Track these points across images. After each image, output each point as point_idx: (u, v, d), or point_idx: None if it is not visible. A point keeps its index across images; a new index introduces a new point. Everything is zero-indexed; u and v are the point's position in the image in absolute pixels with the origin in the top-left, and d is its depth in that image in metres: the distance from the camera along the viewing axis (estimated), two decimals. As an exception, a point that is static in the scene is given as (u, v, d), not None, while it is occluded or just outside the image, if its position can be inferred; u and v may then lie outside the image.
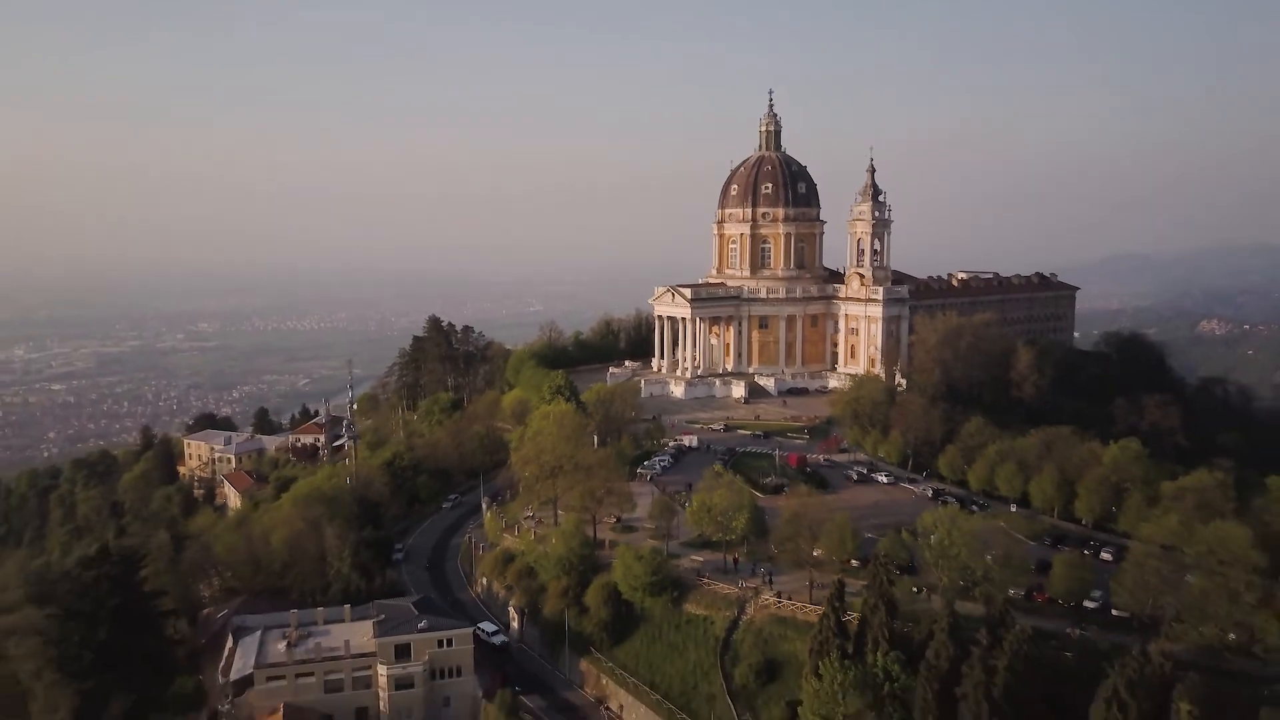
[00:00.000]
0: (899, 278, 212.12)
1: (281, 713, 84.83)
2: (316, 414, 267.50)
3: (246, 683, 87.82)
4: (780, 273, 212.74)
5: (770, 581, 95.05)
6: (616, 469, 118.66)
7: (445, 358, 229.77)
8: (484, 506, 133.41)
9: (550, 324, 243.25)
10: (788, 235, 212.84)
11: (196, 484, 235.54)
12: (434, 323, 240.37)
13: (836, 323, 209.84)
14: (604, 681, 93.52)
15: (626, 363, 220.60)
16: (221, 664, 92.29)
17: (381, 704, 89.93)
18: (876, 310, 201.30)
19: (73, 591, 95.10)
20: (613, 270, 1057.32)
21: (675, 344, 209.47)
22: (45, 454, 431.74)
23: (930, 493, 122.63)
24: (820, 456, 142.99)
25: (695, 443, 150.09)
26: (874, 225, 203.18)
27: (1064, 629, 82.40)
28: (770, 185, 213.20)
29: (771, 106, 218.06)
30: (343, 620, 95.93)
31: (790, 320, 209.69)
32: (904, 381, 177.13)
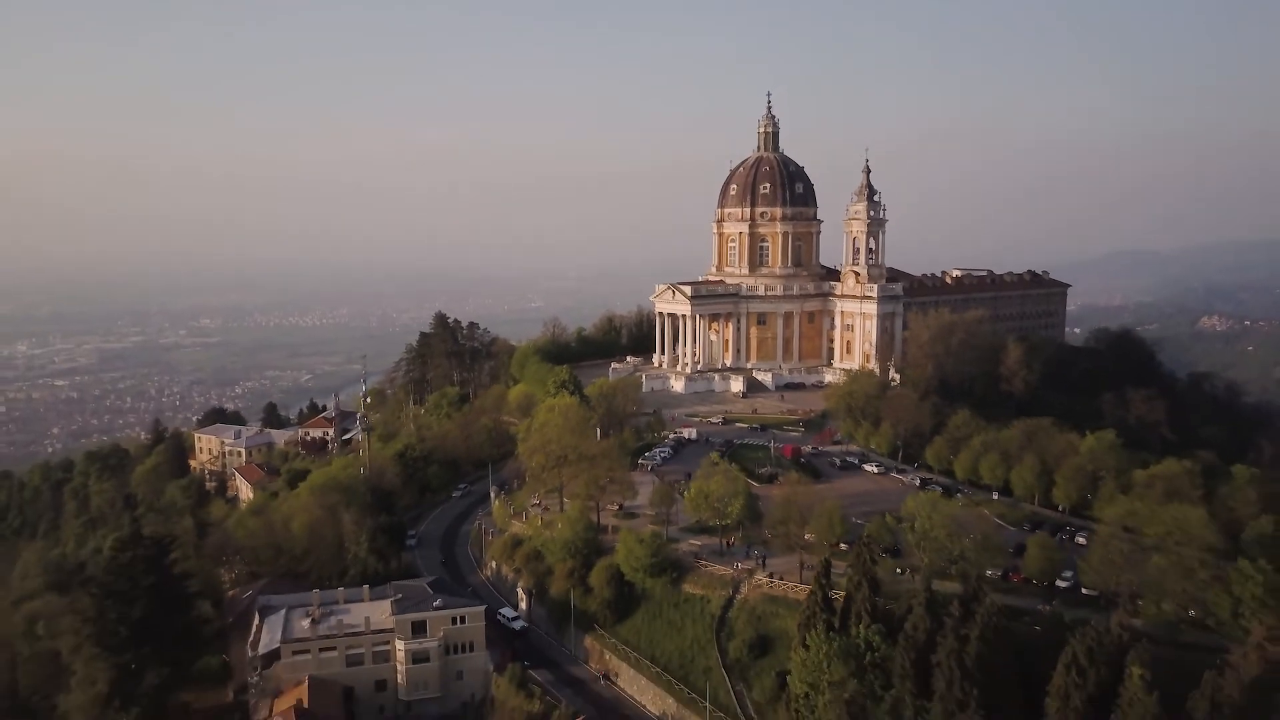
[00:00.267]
0: (894, 275, 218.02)
1: (306, 684, 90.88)
2: (324, 408, 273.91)
3: (274, 656, 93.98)
4: (778, 270, 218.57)
5: (763, 563, 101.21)
6: (619, 459, 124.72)
7: (451, 353, 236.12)
8: (492, 495, 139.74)
9: (554, 320, 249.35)
10: (785, 234, 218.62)
11: (208, 477, 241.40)
12: (440, 319, 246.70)
13: (833, 319, 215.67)
14: (607, 656, 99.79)
15: (628, 358, 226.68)
16: (250, 640, 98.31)
17: (399, 677, 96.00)
18: (871, 307, 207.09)
19: (109, 572, 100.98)
20: (614, 265, 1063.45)
21: (676, 340, 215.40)
22: (49, 449, 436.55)
23: (918, 482, 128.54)
24: (814, 448, 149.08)
25: (694, 435, 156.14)
26: (869, 224, 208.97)
27: (1036, 606, 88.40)
28: (768, 185, 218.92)
29: (770, 108, 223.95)
30: (362, 600, 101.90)
31: (788, 317, 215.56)
32: (897, 376, 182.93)
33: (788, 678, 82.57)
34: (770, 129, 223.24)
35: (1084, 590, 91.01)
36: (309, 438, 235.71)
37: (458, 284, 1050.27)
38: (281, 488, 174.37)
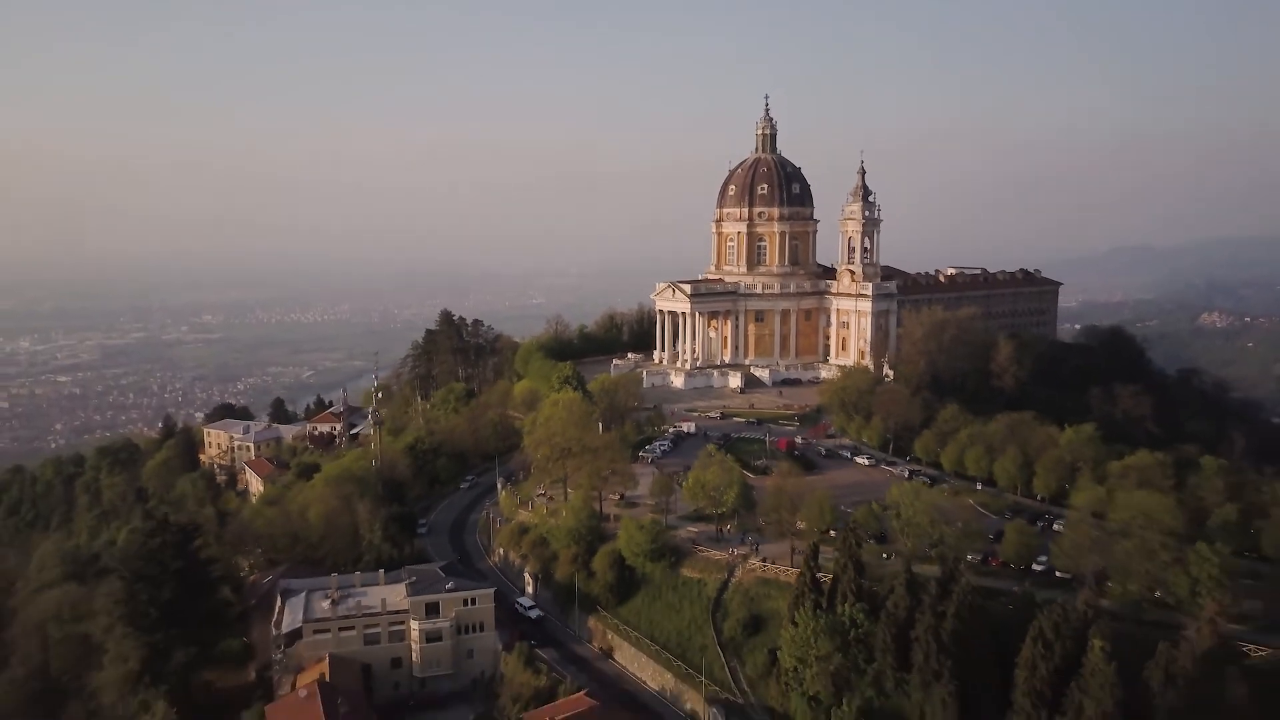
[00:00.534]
0: (889, 273, 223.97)
1: (327, 661, 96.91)
2: (330, 404, 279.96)
3: (296, 635, 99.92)
4: (775, 269, 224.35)
5: (757, 549, 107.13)
6: (620, 452, 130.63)
7: (456, 350, 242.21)
8: (499, 486, 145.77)
9: (556, 318, 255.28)
10: (782, 234, 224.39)
11: (218, 471, 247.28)
12: (445, 316, 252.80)
13: (828, 317, 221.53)
14: (609, 636, 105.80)
15: (629, 355, 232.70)
16: (273, 620, 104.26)
17: (414, 655, 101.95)
18: (866, 305, 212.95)
19: (139, 557, 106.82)
20: (615, 263, 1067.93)
21: (676, 337, 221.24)
22: (52, 445, 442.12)
23: (907, 473, 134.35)
24: (809, 441, 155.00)
25: (693, 429, 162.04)
26: (864, 224, 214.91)
27: (1011, 588, 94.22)
28: (766, 186, 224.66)
29: (768, 111, 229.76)
30: (378, 583, 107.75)
31: (785, 314, 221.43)
32: (891, 372, 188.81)
33: (778, 653, 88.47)
34: (768, 131, 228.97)
35: (1058, 573, 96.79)
36: (317, 432, 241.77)
37: (459, 281, 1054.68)
38: (292, 481, 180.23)
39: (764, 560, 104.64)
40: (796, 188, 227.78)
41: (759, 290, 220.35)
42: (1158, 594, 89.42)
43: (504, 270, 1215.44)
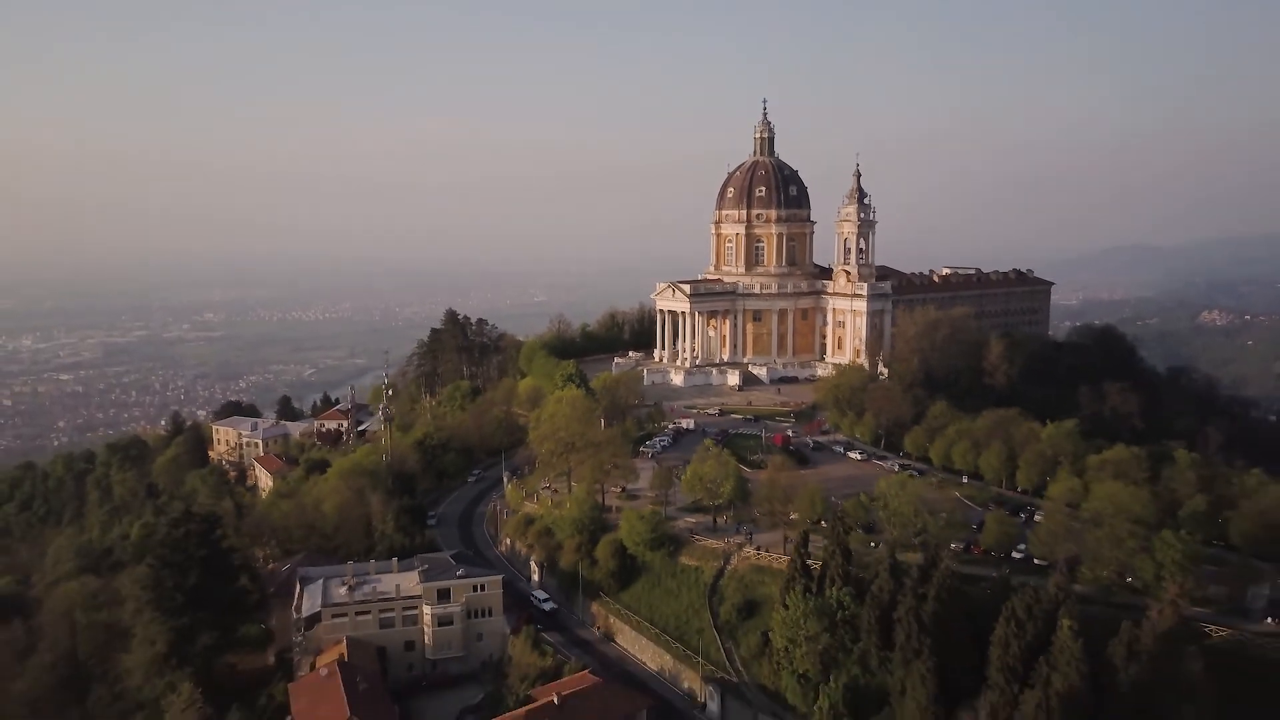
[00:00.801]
0: (884, 273, 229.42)
1: (345, 643, 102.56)
2: (337, 402, 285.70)
3: (315, 619, 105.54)
4: (773, 269, 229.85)
5: (751, 538, 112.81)
6: (622, 447, 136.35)
7: (461, 348, 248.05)
8: (505, 479, 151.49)
9: (559, 317, 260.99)
10: (780, 235, 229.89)
11: (227, 467, 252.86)
12: (450, 315, 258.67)
13: (825, 316, 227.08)
14: (612, 620, 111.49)
15: (630, 353, 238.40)
16: (293, 605, 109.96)
17: (426, 638, 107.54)
18: (861, 305, 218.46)
19: (165, 544, 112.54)
20: (616, 261, 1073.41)
21: (676, 335, 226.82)
22: (55, 443, 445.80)
23: (897, 467, 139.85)
24: (803, 436, 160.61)
25: (692, 425, 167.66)
26: (859, 226, 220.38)
27: (991, 574, 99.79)
28: (764, 189, 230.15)
29: (765, 115, 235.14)
30: (391, 571, 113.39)
31: (782, 314, 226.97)
32: (885, 370, 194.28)
33: (770, 634, 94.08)
34: (766, 135, 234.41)
35: (1035, 560, 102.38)
36: (324, 429, 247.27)
37: (460, 280, 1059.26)
38: (301, 477, 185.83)
39: (758, 549, 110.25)
40: (794, 190, 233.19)
41: (757, 290, 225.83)
42: (1129, 579, 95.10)
43: (505, 269, 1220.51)
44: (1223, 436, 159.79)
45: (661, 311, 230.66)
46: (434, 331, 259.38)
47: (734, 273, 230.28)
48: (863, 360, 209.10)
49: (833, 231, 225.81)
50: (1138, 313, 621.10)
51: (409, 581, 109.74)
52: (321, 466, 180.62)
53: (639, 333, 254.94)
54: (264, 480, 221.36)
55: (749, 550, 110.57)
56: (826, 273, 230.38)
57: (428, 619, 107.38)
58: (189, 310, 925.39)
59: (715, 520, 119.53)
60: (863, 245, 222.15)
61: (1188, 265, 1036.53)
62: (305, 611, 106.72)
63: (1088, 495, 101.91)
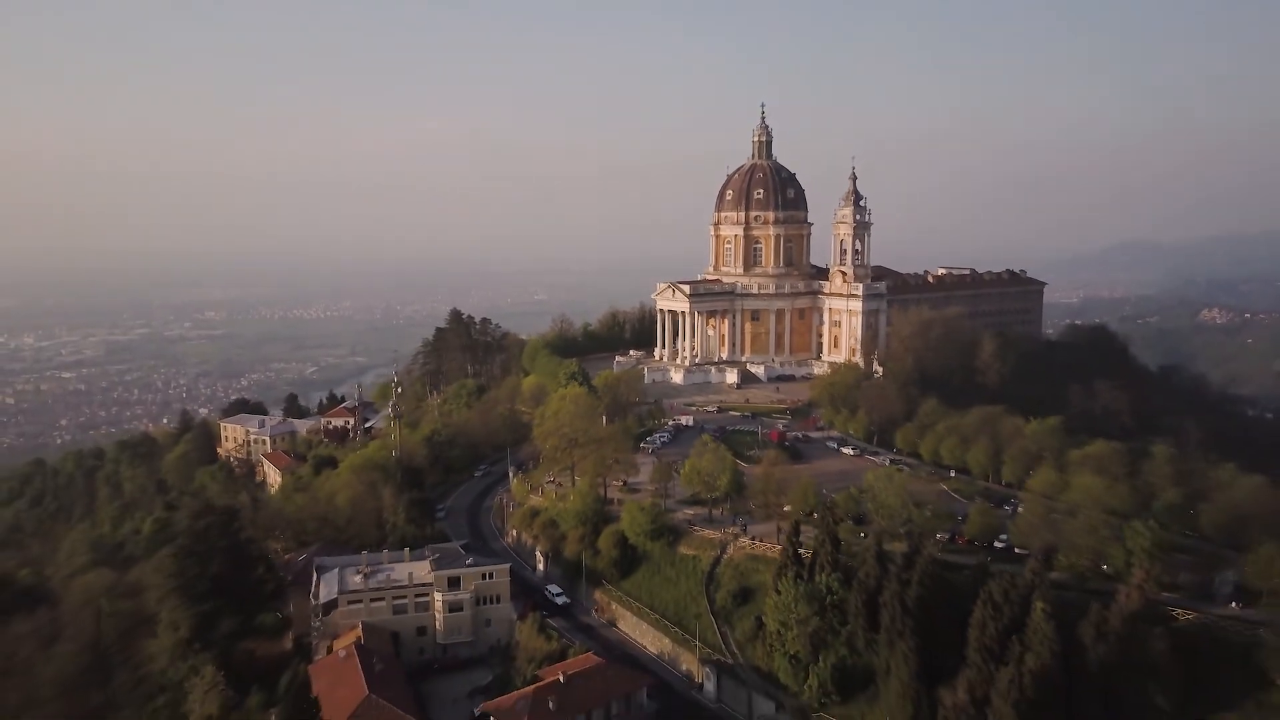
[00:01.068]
0: (880, 273, 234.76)
1: (360, 628, 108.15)
2: (343, 399, 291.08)
3: (332, 605, 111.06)
4: (771, 270, 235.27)
5: (745, 529, 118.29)
6: (623, 442, 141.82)
7: (466, 347, 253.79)
8: (510, 474, 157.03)
9: (561, 316, 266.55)
10: (778, 236, 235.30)
11: (235, 463, 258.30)
12: (455, 315, 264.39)
13: (821, 315, 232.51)
14: (614, 607, 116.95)
15: (631, 351, 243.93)
16: (310, 593, 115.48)
17: (437, 623, 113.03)
18: (857, 305, 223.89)
19: (189, 534, 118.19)
20: (617, 260, 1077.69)
21: (676, 335, 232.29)
22: (58, 441, 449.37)
23: (888, 462, 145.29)
24: (798, 433, 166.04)
25: (691, 422, 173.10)
26: (855, 228, 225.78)
27: (972, 562, 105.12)
28: (762, 191, 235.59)
29: (764, 119, 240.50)
30: (403, 560, 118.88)
31: (780, 314, 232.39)
32: (880, 369, 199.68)
33: (763, 619, 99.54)
34: (764, 138, 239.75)
35: (1016, 550, 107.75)
36: (331, 426, 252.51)
37: (460, 278, 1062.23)
38: (309, 473, 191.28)
39: (753, 539, 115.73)
40: (791, 192, 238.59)
41: (755, 290, 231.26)
42: (1104, 567, 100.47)
43: (505, 268, 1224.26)
44: (1201, 432, 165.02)
45: (662, 311, 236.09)
46: (439, 330, 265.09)
47: (733, 273, 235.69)
48: (858, 359, 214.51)
49: (829, 232, 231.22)
50: (1138, 311, 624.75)
51: (421, 570, 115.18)
52: (329, 463, 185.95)
53: (640, 331, 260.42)
54: (272, 476, 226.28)
55: (744, 540, 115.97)
56: (823, 273, 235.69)
57: (438, 605, 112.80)
58: (190, 308, 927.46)
59: (712, 512, 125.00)
60: (858, 246, 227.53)
61: (1189, 264, 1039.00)
62: (322, 598, 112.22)
63: (1066, 488, 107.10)
